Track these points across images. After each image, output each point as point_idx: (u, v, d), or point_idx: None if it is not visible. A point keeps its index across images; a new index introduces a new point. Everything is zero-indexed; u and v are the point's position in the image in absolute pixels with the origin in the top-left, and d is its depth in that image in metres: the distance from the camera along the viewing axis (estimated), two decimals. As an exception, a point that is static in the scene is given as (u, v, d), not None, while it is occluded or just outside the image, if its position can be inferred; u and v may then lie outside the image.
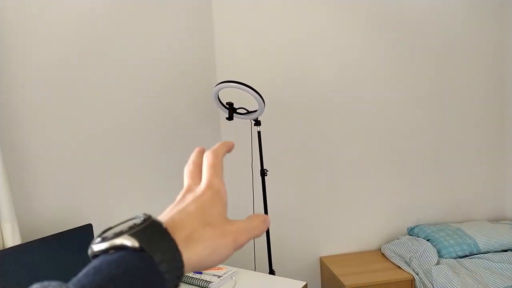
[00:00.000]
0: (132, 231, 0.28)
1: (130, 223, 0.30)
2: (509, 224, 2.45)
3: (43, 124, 1.38)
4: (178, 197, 0.37)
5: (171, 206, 0.35)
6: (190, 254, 0.30)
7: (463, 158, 2.62)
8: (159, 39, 1.90)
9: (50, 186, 1.39)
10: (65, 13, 1.45)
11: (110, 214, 1.64)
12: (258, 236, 0.36)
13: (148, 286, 0.27)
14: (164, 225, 0.30)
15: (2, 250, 1.10)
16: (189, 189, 0.38)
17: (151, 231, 0.29)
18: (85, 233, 1.33)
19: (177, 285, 0.29)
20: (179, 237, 0.30)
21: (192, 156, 0.43)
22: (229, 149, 0.44)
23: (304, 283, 1.58)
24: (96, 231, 1.56)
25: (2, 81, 1.24)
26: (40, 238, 1.20)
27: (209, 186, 0.37)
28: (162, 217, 0.32)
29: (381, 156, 2.54)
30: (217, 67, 2.33)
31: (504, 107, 2.63)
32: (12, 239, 1.15)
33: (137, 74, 1.77)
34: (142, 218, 0.30)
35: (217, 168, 0.39)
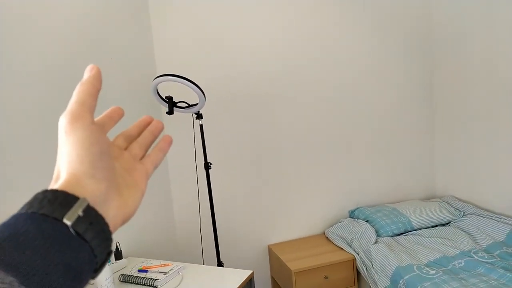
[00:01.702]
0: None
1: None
2: (438, 201, 2.67)
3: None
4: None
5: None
6: (109, 215, 0.33)
7: (398, 143, 2.80)
8: (98, 37, 1.80)
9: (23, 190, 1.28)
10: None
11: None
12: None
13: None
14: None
15: None
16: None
17: (64, 202, 0.30)
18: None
19: (109, 252, 0.32)
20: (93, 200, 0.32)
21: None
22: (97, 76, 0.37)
23: (250, 271, 1.61)
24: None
25: None
26: None
27: (66, 114, 0.36)
28: (66, 175, 0.33)
29: (322, 144, 2.64)
30: (156, 62, 2.27)
31: (433, 90, 2.84)
32: None
33: (75, 70, 1.67)
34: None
35: (79, 95, 0.36)
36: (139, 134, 0.44)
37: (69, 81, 1.64)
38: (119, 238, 1.93)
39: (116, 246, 1.82)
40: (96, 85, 0.36)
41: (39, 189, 0.31)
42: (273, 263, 2.54)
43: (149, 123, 0.45)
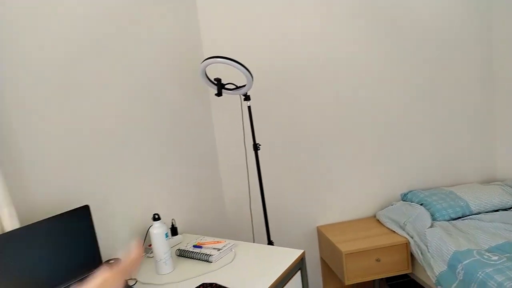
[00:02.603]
0: None
1: None
2: (499, 185, 2.50)
3: (36, 104, 1.37)
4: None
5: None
6: None
7: (454, 123, 2.65)
8: (145, 23, 1.86)
9: (46, 169, 1.39)
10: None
11: (107, 193, 1.65)
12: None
13: None
14: None
15: (1, 234, 1.12)
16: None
17: None
18: (82, 213, 1.34)
19: None
20: None
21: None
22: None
23: (302, 251, 1.62)
24: (94, 210, 1.57)
25: (-14, 66, 1.22)
26: (38, 221, 1.21)
27: None
28: None
29: (374, 124, 2.56)
30: (203, 45, 2.30)
31: (493, 70, 2.64)
32: (10, 224, 1.16)
33: (126, 58, 1.75)
34: None
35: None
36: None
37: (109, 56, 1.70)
38: (174, 215, 2.02)
39: (172, 222, 1.90)
40: (137, 265, 0.57)
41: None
42: (322, 244, 2.53)
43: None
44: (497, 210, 2.32)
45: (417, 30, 2.52)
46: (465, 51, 2.59)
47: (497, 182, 2.62)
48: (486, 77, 2.64)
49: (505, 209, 2.32)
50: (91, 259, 1.36)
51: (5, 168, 1.26)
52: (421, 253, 2.12)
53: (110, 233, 1.66)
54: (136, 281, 1.51)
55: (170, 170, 2.01)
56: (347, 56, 2.46)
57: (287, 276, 1.53)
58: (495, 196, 2.34)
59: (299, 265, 1.62)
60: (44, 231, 1.22)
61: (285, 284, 1.51)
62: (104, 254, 1.63)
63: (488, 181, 2.73)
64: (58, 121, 1.45)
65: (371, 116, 2.54)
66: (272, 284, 1.38)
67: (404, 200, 2.58)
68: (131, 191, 1.78)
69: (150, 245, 1.79)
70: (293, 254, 1.60)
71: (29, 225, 1.18)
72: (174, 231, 1.89)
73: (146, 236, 1.84)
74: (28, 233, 1.18)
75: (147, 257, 1.76)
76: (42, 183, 1.38)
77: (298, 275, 1.61)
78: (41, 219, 1.34)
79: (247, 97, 1.83)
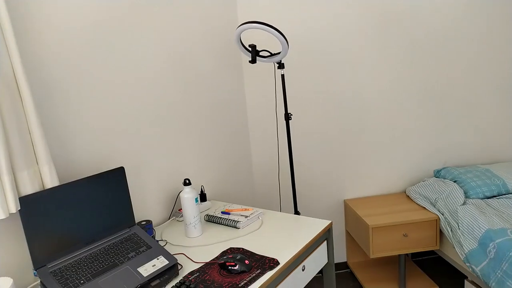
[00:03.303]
0: None
1: None
2: (541, 164, 2.39)
3: (79, 66, 1.40)
4: None
5: None
6: None
7: (491, 99, 2.51)
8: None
9: (86, 131, 1.44)
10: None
11: (140, 158, 1.69)
12: None
13: None
14: None
15: (42, 190, 1.17)
16: None
17: None
18: (118, 175, 1.39)
19: None
20: None
21: None
22: None
23: (329, 221, 1.62)
24: (128, 173, 1.63)
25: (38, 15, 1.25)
26: (77, 180, 1.26)
27: None
28: None
29: (407, 99, 2.46)
30: (238, 9, 2.25)
31: (545, 41, 2.45)
32: (50, 181, 1.21)
33: (160, 23, 1.74)
34: None
35: None
36: None
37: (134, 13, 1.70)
38: (203, 182, 2.06)
39: (201, 189, 1.94)
40: None
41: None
42: (348, 217, 2.53)
43: None
44: (536, 191, 2.22)
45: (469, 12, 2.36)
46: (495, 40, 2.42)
47: (538, 161, 2.50)
48: (535, 49, 2.46)
49: (545, 190, 2.22)
50: (125, 219, 1.42)
51: (47, 127, 1.31)
52: (451, 230, 2.07)
53: (143, 195, 1.72)
54: (166, 242, 1.57)
55: (201, 138, 2.04)
56: (396, 31, 2.35)
57: (313, 245, 1.54)
58: (535, 176, 2.23)
59: (326, 235, 1.63)
60: (82, 189, 1.27)
61: (310, 253, 1.52)
62: (137, 215, 1.70)
63: (528, 160, 2.60)
64: (98, 88, 1.48)
65: (406, 90, 2.45)
66: (298, 253, 1.40)
67: (437, 177, 2.51)
68: (164, 157, 1.82)
69: (180, 209, 1.85)
70: (320, 225, 1.60)
71: (68, 183, 1.23)
72: (203, 197, 1.93)
73: (176, 201, 1.89)
74: (67, 191, 1.23)
75: (177, 220, 1.81)
76: (82, 144, 1.43)
77: (324, 245, 1.62)
78: (80, 177, 1.40)
79: (281, 65, 1.79)
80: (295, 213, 2.06)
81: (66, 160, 1.38)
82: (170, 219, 1.84)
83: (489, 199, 2.19)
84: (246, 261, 1.30)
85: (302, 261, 1.47)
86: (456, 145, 2.56)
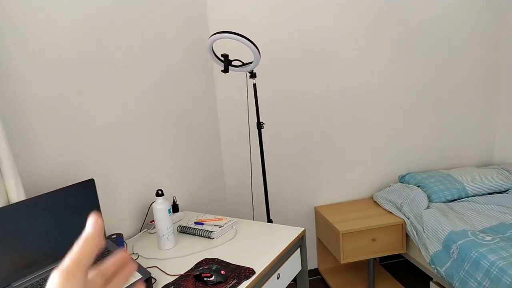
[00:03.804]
0: None
1: None
2: (495, 168, 2.54)
3: (43, 77, 1.34)
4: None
5: None
6: None
7: (451, 107, 2.66)
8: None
9: (52, 142, 1.38)
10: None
11: (111, 170, 1.65)
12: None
13: None
14: None
15: (8, 205, 1.11)
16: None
17: None
18: (87, 187, 1.34)
19: None
20: None
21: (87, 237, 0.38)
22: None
23: (302, 229, 1.64)
24: (98, 185, 1.57)
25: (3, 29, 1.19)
26: (44, 193, 1.21)
27: None
28: None
29: (372, 107, 2.56)
30: (209, 22, 2.26)
31: (496, 52, 2.64)
32: (16, 195, 1.16)
33: (128, 33, 1.71)
34: None
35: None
36: (114, 273, 0.41)
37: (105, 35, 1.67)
38: (175, 193, 2.03)
39: (173, 199, 1.91)
40: (98, 243, 0.37)
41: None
42: (319, 224, 2.57)
43: (125, 263, 0.42)
44: (492, 193, 2.36)
45: (426, 23, 2.50)
46: (469, 44, 2.58)
47: (493, 165, 2.66)
48: (488, 56, 2.64)
49: (500, 192, 2.37)
50: (95, 232, 1.37)
51: (13, 140, 1.25)
52: (417, 234, 2.16)
53: (114, 208, 1.67)
54: (139, 256, 1.53)
55: (172, 148, 2.01)
56: (361, 36, 2.44)
57: (287, 253, 1.56)
58: (491, 179, 2.38)
59: (299, 242, 1.65)
60: (50, 203, 1.22)
61: (285, 261, 1.53)
62: (108, 228, 1.64)
63: (485, 165, 2.77)
64: (65, 96, 1.43)
65: (372, 100, 2.54)
66: (273, 261, 1.41)
67: (401, 182, 2.61)
68: (135, 167, 1.78)
69: (152, 221, 1.81)
70: (294, 232, 1.62)
71: (35, 197, 1.18)
72: (175, 208, 1.90)
73: (147, 212, 1.85)
74: (34, 205, 1.18)
75: (149, 233, 1.77)
76: (49, 156, 1.38)
77: (297, 252, 1.64)
78: (47, 191, 1.34)
79: (253, 75, 1.82)
80: (268, 221, 2.08)
81: (33, 172, 1.32)
82: (142, 232, 1.80)
83: (450, 203, 2.31)
84: (222, 272, 1.29)
85: (277, 269, 1.48)
86: (419, 151, 2.68)
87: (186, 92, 2.10)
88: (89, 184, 1.35)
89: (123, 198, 1.72)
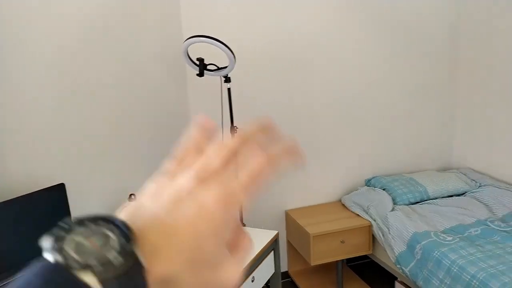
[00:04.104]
0: (104, 275, 0.20)
1: (105, 250, 0.20)
2: (454, 172, 2.70)
3: (18, 80, 1.28)
4: (168, 186, 0.26)
5: (164, 199, 0.24)
6: None
7: (415, 114, 2.80)
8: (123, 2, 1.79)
9: (23, 147, 1.32)
10: None
11: (82, 175, 1.59)
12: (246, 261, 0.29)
13: None
14: (144, 264, 0.21)
15: (-27, 211, 1.06)
16: (200, 173, 0.26)
17: (125, 282, 0.20)
18: (58, 192, 1.30)
19: None
20: (154, 279, 0.22)
21: (193, 130, 0.30)
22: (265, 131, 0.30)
23: (276, 232, 1.67)
24: (69, 191, 1.52)
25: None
26: (13, 198, 1.16)
27: (227, 194, 0.25)
28: (141, 224, 0.23)
29: (340, 113, 2.64)
30: (183, 26, 2.24)
31: (453, 65, 2.81)
32: (-18, 200, 1.10)
33: (101, 35, 1.67)
34: (119, 247, 0.21)
35: (259, 178, 0.27)
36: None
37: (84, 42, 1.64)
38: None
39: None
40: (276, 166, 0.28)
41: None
42: (289, 227, 2.61)
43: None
44: (451, 196, 2.50)
45: (390, 23, 2.62)
46: (430, 45, 2.73)
47: (452, 170, 2.82)
48: (448, 66, 2.80)
49: (459, 195, 2.52)
50: (66, 238, 1.32)
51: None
52: (383, 235, 2.25)
53: (85, 212, 1.62)
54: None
55: (146, 152, 1.98)
56: (328, 40, 2.51)
57: (262, 256, 1.58)
58: (450, 183, 2.52)
59: (273, 245, 1.68)
60: (19, 208, 1.17)
61: (259, 264, 1.55)
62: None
63: (444, 169, 2.93)
64: (38, 100, 1.38)
65: (338, 106, 2.63)
66: (248, 264, 1.42)
67: (368, 186, 2.71)
68: (107, 172, 1.73)
69: (122, 226, 1.76)
70: (268, 235, 1.65)
71: (3, 202, 1.13)
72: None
73: (118, 217, 1.80)
74: (2, 210, 1.12)
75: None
76: (19, 160, 1.31)
77: (271, 255, 1.67)
78: (16, 196, 1.28)
79: (227, 79, 1.83)
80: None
81: (2, 177, 1.26)
82: (112, 237, 1.75)
83: (413, 205, 2.42)
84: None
85: (252, 272, 1.50)
86: (384, 155, 2.80)
87: (159, 100, 2.07)
88: (60, 189, 1.31)
89: (95, 203, 1.67)
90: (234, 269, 0.26)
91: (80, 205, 1.60)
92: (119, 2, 1.78)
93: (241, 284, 0.25)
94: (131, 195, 1.51)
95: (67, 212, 1.33)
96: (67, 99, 1.54)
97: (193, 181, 0.25)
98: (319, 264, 2.67)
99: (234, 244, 0.28)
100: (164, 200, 0.24)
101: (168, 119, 2.17)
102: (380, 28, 2.62)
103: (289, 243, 2.71)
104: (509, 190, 2.33)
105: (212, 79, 2.26)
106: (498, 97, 2.48)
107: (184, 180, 0.25)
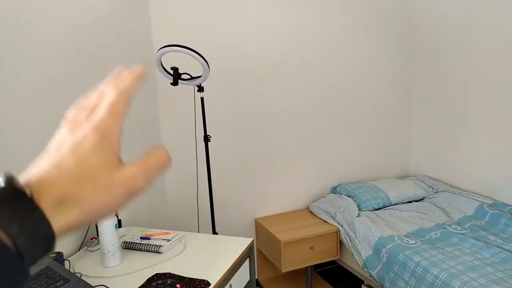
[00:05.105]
0: None
1: None
2: (413, 179, 2.86)
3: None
4: (58, 136, 0.31)
5: (49, 150, 0.29)
6: (64, 220, 0.26)
7: (376, 125, 2.95)
8: (93, 13, 1.75)
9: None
10: None
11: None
12: (162, 171, 0.32)
13: None
14: (29, 192, 0.25)
15: None
16: (73, 123, 0.30)
17: (10, 201, 0.24)
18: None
19: (48, 252, 0.26)
20: (48, 202, 0.26)
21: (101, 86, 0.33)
22: (140, 81, 0.33)
23: (251, 239, 1.69)
24: None
25: None
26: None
27: (95, 127, 0.29)
28: (31, 174, 0.27)
29: (307, 125, 2.73)
30: (153, 36, 2.23)
31: (410, 79, 3.00)
32: None
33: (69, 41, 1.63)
34: (2, 184, 0.25)
35: (117, 107, 0.31)
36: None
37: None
38: (117, 207, 1.94)
39: (115, 214, 1.83)
40: (137, 88, 0.33)
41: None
42: (259, 235, 2.64)
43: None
44: (411, 201, 2.65)
45: (344, 29, 2.75)
46: (386, 54, 2.90)
47: (411, 177, 2.99)
48: (405, 82, 2.99)
49: (417, 200, 2.67)
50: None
51: None
52: (350, 240, 2.34)
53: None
54: (81, 275, 1.44)
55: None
56: (296, 55, 2.59)
57: (238, 263, 1.59)
58: (410, 189, 2.67)
59: (249, 253, 1.69)
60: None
61: (236, 272, 1.56)
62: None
63: (403, 176, 3.10)
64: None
65: (305, 117, 2.71)
66: (226, 272, 1.43)
67: (334, 193, 2.80)
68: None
69: (92, 238, 1.71)
70: (243, 243, 1.66)
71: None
72: (118, 223, 1.82)
73: (88, 229, 1.74)
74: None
75: (89, 250, 1.67)
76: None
77: (246, 263, 1.68)
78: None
79: (200, 88, 1.84)
80: (213, 233, 2.08)
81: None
82: (81, 250, 1.69)
83: (377, 211, 2.54)
84: (178, 285, 1.27)
85: (229, 280, 1.50)
86: (348, 164, 2.91)
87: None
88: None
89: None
90: (133, 170, 0.30)
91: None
92: (90, 17, 1.75)
93: (147, 185, 0.31)
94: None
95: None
96: (32, 107, 1.48)
97: (70, 129, 0.30)
98: (288, 271, 2.71)
99: (148, 155, 0.32)
100: (52, 148, 0.30)
101: (137, 127, 2.13)
102: (342, 36, 2.75)
103: (258, 251, 2.73)
104: (462, 195, 2.51)
105: (184, 89, 2.26)
106: (449, 112, 2.68)
107: (64, 130, 0.31)
